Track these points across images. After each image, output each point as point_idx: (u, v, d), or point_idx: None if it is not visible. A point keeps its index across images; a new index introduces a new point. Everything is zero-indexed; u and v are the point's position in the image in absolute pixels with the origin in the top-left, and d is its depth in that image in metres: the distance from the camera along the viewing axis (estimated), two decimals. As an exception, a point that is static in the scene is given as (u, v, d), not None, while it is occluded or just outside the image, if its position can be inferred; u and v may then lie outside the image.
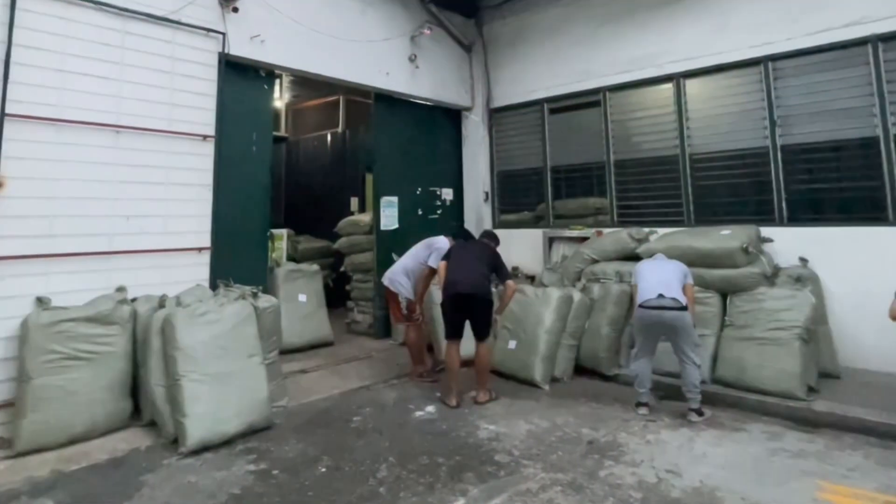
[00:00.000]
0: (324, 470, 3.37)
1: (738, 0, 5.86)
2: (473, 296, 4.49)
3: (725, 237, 4.92)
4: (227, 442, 3.72)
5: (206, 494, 3.07)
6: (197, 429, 3.61)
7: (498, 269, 4.72)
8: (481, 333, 4.58)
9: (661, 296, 4.06)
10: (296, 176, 9.83)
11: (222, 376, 3.84)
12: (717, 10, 6.00)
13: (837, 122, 5.30)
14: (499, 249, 4.99)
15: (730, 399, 4.35)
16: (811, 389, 4.19)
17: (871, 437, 3.64)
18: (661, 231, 5.77)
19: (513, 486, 3.09)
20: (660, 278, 4.22)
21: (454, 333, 4.64)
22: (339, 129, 9.54)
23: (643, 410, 4.25)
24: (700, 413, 4.06)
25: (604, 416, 4.21)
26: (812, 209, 5.41)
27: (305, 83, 8.90)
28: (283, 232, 7.18)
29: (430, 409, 4.46)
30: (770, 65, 5.67)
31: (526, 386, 4.96)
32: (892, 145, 4.99)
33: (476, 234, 5.84)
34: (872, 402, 3.98)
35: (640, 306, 4.17)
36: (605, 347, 5.07)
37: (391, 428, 4.05)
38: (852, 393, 4.20)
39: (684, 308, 4.04)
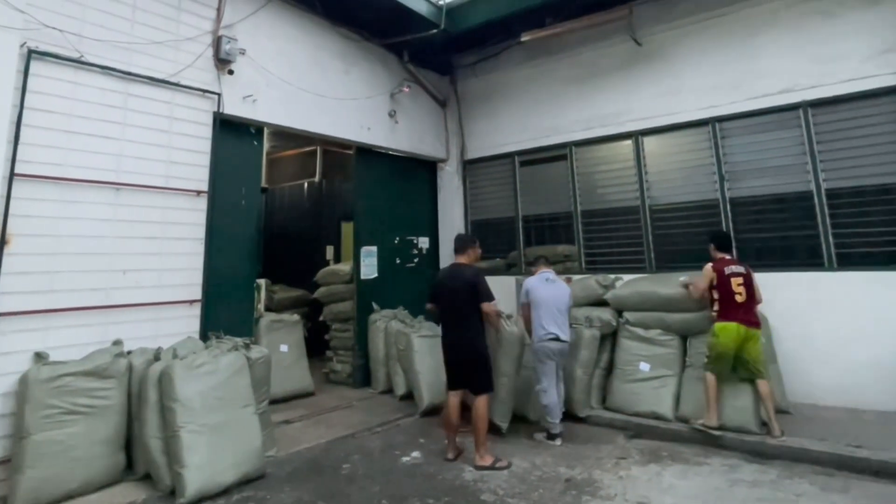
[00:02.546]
0: (321, 516, 3.54)
1: (689, 66, 6.55)
2: (462, 359, 4.44)
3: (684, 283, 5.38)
4: (224, 492, 3.84)
5: (210, 544, 3.21)
6: (195, 479, 3.73)
7: (477, 294, 4.40)
8: (475, 387, 4.40)
9: (550, 333, 4.80)
10: (272, 225, 9.95)
11: (219, 427, 3.97)
12: (670, 75, 6.67)
13: (777, 177, 5.94)
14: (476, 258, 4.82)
15: (690, 436, 4.69)
16: (764, 423, 4.61)
17: (816, 466, 4.05)
18: (626, 277, 6.22)
19: (501, 525, 3.34)
20: (556, 308, 4.89)
21: (453, 384, 4.52)
22: (316, 179, 9.81)
23: (559, 441, 4.75)
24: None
25: (579, 455, 4.50)
26: (759, 256, 5.96)
27: (284, 134, 9.18)
28: (262, 282, 7.30)
29: (416, 454, 4.64)
30: (717, 125, 6.32)
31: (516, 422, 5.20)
32: (824, 199, 5.62)
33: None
34: (817, 434, 4.42)
35: (540, 340, 4.83)
36: (580, 390, 5.32)
37: (380, 473, 4.23)
38: (800, 426, 4.64)
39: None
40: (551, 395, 4.73)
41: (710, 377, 4.64)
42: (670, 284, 5.41)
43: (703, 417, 4.65)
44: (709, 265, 4.90)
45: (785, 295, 5.58)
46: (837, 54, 5.67)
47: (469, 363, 4.42)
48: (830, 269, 5.50)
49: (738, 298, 4.65)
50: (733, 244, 5.98)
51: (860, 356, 5.18)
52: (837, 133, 5.65)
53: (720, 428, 4.55)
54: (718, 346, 4.60)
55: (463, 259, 4.67)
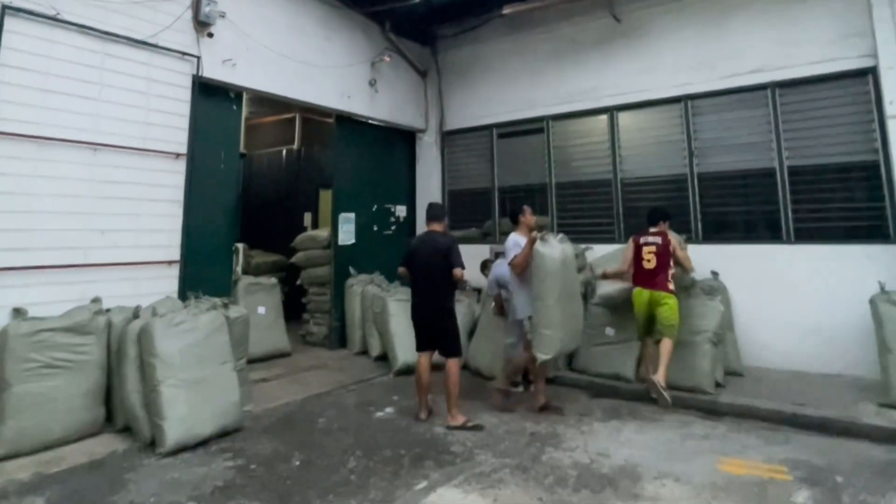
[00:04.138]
0: (297, 464, 3.73)
1: (664, 45, 6.70)
2: (433, 323, 4.61)
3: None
4: (203, 443, 4.00)
5: (191, 487, 3.37)
6: (175, 431, 3.88)
7: (450, 260, 4.51)
8: (445, 350, 4.57)
9: None
10: (250, 191, 9.97)
11: (198, 382, 4.11)
12: (645, 53, 6.81)
13: (744, 154, 6.18)
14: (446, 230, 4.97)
15: (649, 395, 4.98)
16: (718, 385, 4.92)
17: (762, 422, 4.37)
18: (596, 247, 6.46)
19: (468, 470, 3.57)
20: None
21: (423, 346, 4.67)
22: (295, 146, 9.83)
23: (521, 388, 5.23)
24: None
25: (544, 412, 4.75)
26: (723, 229, 6.25)
27: (263, 100, 9.12)
28: (240, 246, 7.36)
29: (389, 410, 4.87)
30: (689, 103, 6.51)
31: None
32: (787, 176, 5.88)
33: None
34: (764, 394, 4.75)
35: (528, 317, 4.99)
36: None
37: (355, 427, 4.44)
38: (750, 387, 4.97)
39: None
40: (519, 350, 4.99)
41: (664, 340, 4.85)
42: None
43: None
44: (631, 238, 5.26)
45: (745, 266, 5.88)
46: (805, 37, 5.87)
47: (438, 327, 4.59)
48: (788, 242, 5.80)
49: (647, 265, 4.97)
50: (699, 217, 6.30)
51: (809, 323, 5.51)
52: (802, 113, 5.89)
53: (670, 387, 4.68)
54: (634, 308, 5.04)
55: (437, 226, 4.79)
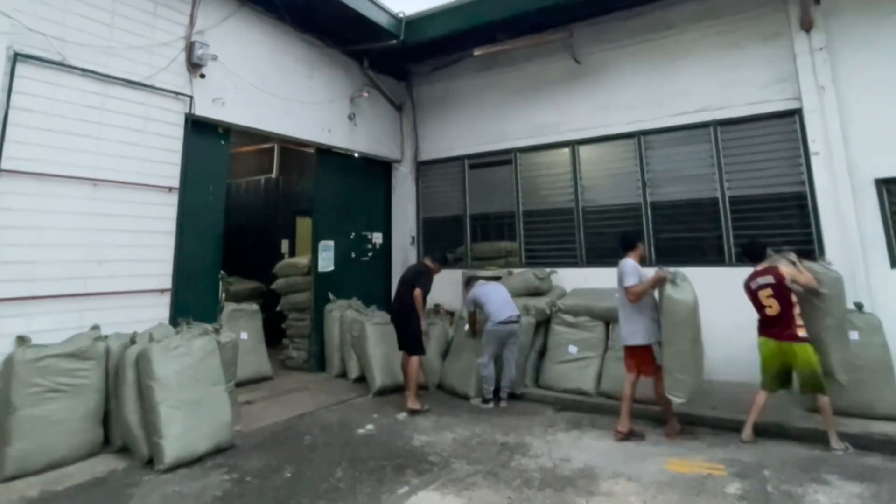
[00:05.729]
0: (289, 475, 4.07)
1: (620, 84, 7.37)
2: (397, 324, 5.84)
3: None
4: (198, 460, 4.30)
5: (192, 498, 3.69)
6: (173, 448, 4.18)
7: (415, 282, 5.81)
8: (406, 349, 5.76)
9: (510, 315, 5.69)
10: (228, 219, 9.90)
11: (193, 402, 4.42)
12: (603, 91, 7.48)
13: (691, 185, 6.83)
14: (430, 267, 6.07)
15: (608, 408, 5.44)
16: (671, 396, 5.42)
17: (706, 428, 4.90)
18: (560, 271, 6.99)
19: (444, 476, 3.97)
20: (504, 298, 5.83)
21: (399, 345, 5.93)
22: (273, 175, 10.13)
23: (491, 405, 5.69)
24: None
25: (513, 425, 5.18)
26: (674, 253, 6.83)
27: (245, 132, 9.49)
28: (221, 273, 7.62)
29: (370, 427, 5.23)
30: (642, 138, 7.16)
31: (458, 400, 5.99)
32: (728, 205, 6.54)
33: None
34: (709, 404, 5.27)
35: (499, 322, 5.64)
36: (517, 371, 6.01)
37: (339, 442, 4.79)
38: (699, 398, 5.42)
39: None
40: (490, 369, 5.63)
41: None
42: (608, 300, 6.07)
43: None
44: (743, 287, 4.78)
45: (695, 287, 6.44)
46: (742, 80, 6.59)
47: (400, 327, 5.85)
48: (731, 265, 6.42)
49: (769, 312, 4.52)
50: (652, 242, 6.88)
51: (750, 339, 6.06)
52: (740, 148, 6.57)
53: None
54: (761, 357, 4.64)
55: (427, 260, 6.20)
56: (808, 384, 4.42)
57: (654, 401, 4.91)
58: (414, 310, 5.72)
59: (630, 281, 4.72)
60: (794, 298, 4.48)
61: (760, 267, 4.70)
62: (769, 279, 4.54)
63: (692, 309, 4.52)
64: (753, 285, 4.64)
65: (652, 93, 7.15)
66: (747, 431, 4.55)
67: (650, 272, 4.89)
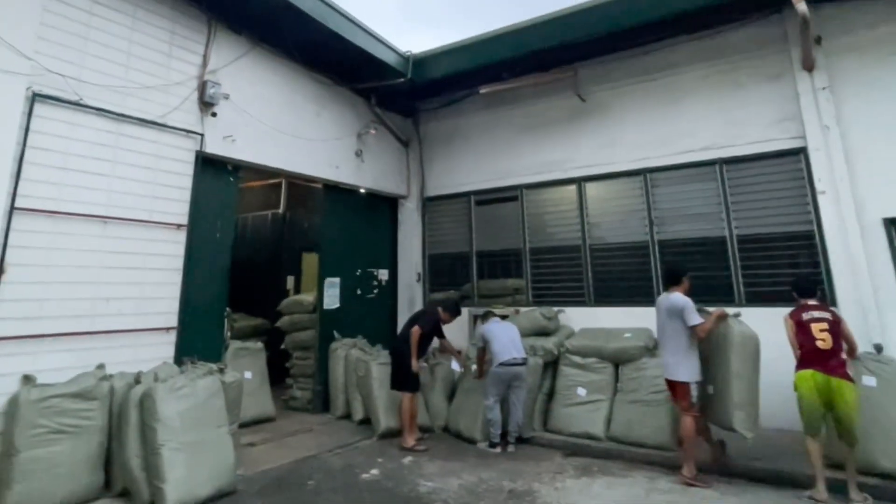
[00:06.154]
0: (292, 523, 3.96)
1: (626, 122, 7.44)
2: (392, 352, 6.07)
3: (630, 339, 6.02)
4: (200, 504, 4.21)
5: (193, 549, 3.58)
6: (175, 492, 4.08)
7: (412, 323, 5.97)
8: (397, 385, 5.87)
9: (514, 357, 5.55)
10: (234, 254, 9.96)
11: (196, 444, 4.34)
12: (609, 129, 7.55)
13: (698, 223, 6.81)
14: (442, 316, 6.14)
15: (618, 453, 5.35)
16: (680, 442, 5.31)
17: (720, 476, 4.76)
18: (568, 309, 6.93)
19: (452, 527, 3.86)
20: (510, 339, 5.68)
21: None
22: (280, 210, 10.13)
23: (498, 449, 5.51)
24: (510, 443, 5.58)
25: (521, 470, 5.05)
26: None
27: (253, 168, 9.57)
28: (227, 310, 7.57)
29: (375, 471, 5.09)
30: (648, 175, 7.19)
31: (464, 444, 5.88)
32: (736, 243, 6.51)
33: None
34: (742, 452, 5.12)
35: (502, 364, 5.50)
36: (525, 413, 5.86)
37: (343, 488, 4.67)
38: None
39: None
40: (496, 412, 5.50)
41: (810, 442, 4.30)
42: (618, 340, 6.06)
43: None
44: (787, 314, 4.67)
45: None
46: (747, 119, 6.65)
47: (394, 362, 6.01)
48: (740, 304, 6.35)
49: (822, 345, 4.33)
50: (659, 281, 6.83)
51: (763, 381, 5.98)
52: (746, 187, 6.57)
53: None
54: (801, 396, 4.37)
55: (439, 308, 6.24)
56: (847, 430, 4.20)
57: (678, 441, 4.95)
58: (408, 348, 5.79)
59: (696, 318, 4.69)
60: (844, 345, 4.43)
61: (812, 302, 4.62)
62: (827, 315, 4.47)
63: (759, 343, 4.74)
64: (806, 316, 4.48)
65: (657, 130, 7.21)
66: (820, 488, 4.21)
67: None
